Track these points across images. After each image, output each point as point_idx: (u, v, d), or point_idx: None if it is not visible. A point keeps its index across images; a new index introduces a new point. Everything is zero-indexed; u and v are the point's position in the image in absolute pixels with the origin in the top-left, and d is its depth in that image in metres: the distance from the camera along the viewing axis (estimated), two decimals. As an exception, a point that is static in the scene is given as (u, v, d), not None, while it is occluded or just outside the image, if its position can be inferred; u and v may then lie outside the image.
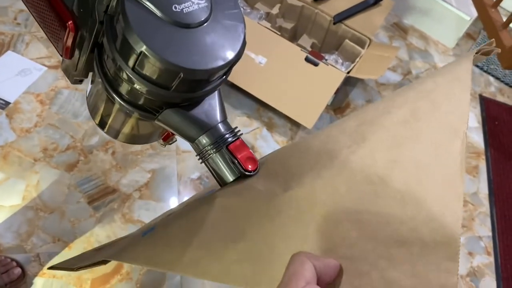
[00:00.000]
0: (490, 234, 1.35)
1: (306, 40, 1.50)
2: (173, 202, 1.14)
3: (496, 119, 1.64)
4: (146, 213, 1.09)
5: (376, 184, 0.31)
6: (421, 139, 0.33)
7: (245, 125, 1.35)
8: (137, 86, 0.33)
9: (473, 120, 1.62)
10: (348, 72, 1.33)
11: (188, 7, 0.31)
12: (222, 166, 0.37)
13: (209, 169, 0.39)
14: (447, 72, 0.38)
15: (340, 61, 1.43)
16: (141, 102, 0.36)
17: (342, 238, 0.29)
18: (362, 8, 1.51)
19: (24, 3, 0.39)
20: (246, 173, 0.37)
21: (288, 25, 1.49)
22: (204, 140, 0.37)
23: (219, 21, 0.32)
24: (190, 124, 0.37)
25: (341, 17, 1.46)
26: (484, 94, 1.74)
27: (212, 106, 0.37)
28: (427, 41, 1.85)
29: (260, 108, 1.39)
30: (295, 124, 1.37)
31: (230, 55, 0.32)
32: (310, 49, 1.45)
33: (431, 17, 1.84)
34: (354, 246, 0.29)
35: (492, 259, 1.30)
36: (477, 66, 1.84)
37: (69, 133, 1.17)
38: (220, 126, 0.37)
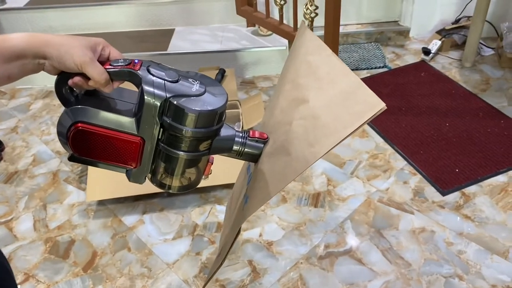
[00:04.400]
0: (405, 162, 1.74)
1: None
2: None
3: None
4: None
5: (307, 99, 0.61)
6: (323, 80, 0.60)
7: (203, 212, 1.57)
8: (198, 135, 0.57)
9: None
10: (242, 128, 1.66)
11: (196, 87, 0.57)
12: (251, 151, 0.63)
13: (246, 160, 0.64)
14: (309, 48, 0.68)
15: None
16: (199, 147, 0.60)
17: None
18: (217, 85, 1.88)
19: (89, 159, 0.59)
20: (266, 140, 0.63)
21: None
22: (235, 146, 0.62)
23: (212, 90, 0.59)
24: (225, 142, 0.61)
25: (209, 100, 1.81)
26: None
27: (227, 128, 0.62)
28: (270, 78, 2.31)
29: (202, 195, 1.63)
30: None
31: (225, 97, 0.59)
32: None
33: (259, 63, 2.32)
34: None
35: (419, 175, 1.68)
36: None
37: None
38: (237, 133, 0.63)
